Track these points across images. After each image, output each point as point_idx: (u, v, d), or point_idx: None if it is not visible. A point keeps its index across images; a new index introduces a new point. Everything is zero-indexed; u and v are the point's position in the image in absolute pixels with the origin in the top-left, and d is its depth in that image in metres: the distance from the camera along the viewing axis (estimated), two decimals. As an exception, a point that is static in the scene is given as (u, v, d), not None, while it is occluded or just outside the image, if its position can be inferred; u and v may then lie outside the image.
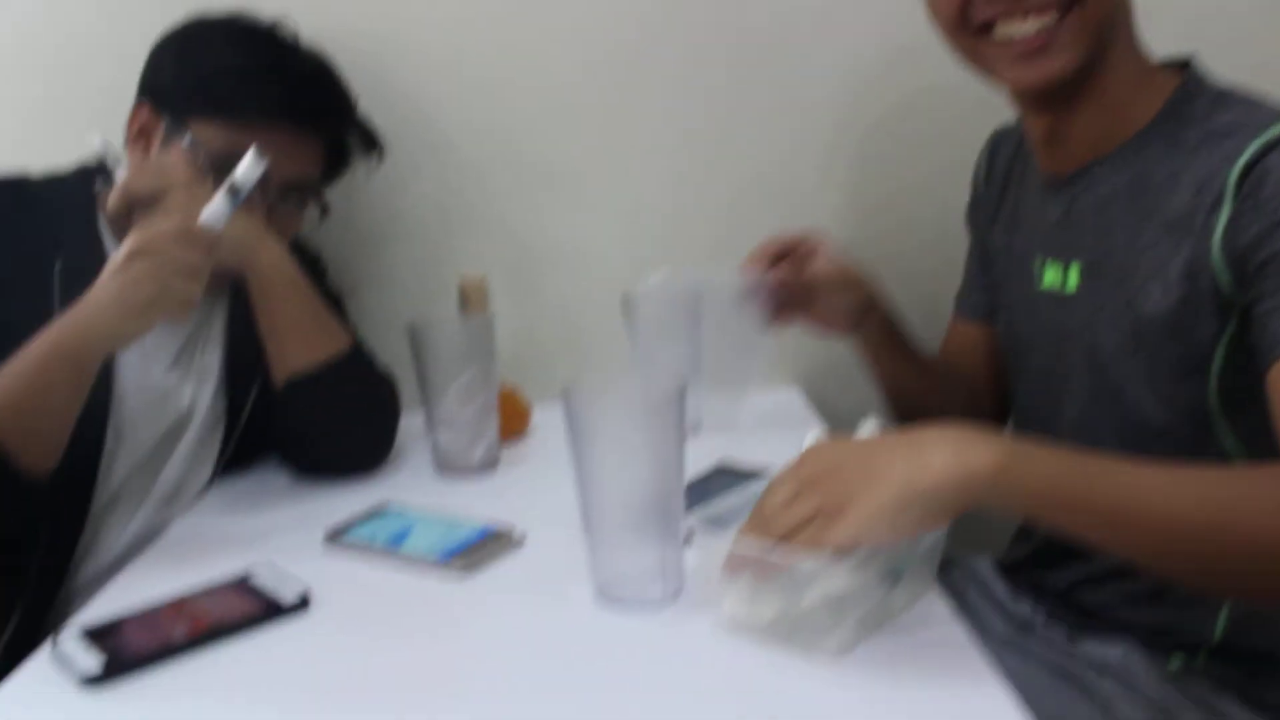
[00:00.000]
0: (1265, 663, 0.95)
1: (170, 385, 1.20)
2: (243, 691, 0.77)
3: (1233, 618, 0.95)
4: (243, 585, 0.91)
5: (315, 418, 1.17)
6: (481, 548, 0.96)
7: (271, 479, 1.24)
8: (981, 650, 0.75)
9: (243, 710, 0.75)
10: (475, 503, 1.07)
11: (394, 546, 0.98)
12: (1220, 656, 0.96)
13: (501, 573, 0.94)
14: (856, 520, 0.73)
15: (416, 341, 1.15)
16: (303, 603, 0.88)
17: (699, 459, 1.09)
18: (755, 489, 0.85)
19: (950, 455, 0.73)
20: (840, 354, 1.41)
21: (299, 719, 0.74)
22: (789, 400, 1.44)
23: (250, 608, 0.87)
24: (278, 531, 1.08)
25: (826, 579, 0.73)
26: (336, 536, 1.01)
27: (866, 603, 0.75)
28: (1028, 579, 1.11)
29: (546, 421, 1.34)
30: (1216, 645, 0.96)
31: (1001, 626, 1.09)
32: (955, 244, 1.31)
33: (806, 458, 0.79)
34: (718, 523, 0.81)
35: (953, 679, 0.72)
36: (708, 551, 0.82)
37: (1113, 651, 0.99)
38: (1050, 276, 1.04)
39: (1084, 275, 1.00)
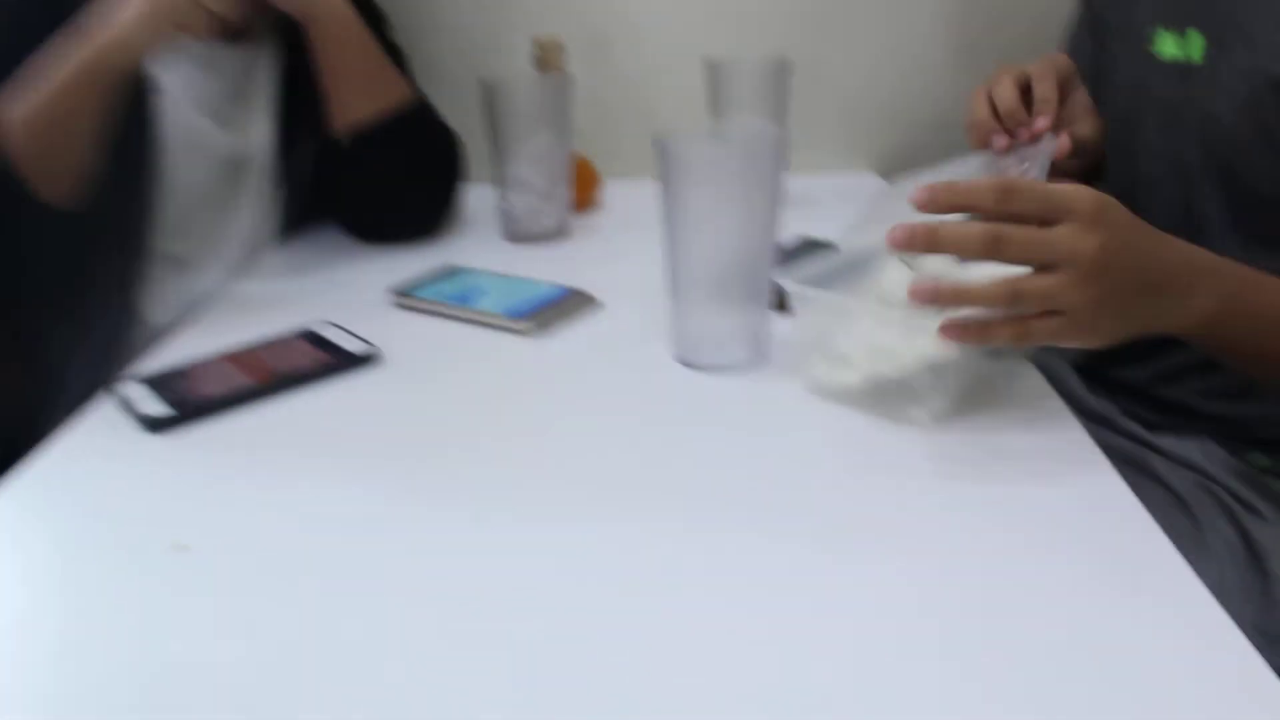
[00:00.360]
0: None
1: (215, 134, 1.13)
2: (309, 441, 0.76)
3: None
4: (308, 338, 0.89)
5: (376, 171, 1.13)
6: (557, 308, 0.93)
7: (334, 243, 1.21)
8: (1079, 422, 0.72)
9: (309, 459, 0.74)
10: (547, 270, 1.04)
11: (464, 304, 0.95)
12: (1307, 455, 0.92)
13: (577, 334, 0.91)
14: (1089, 341, 0.68)
15: (490, 98, 1.10)
16: (370, 356, 0.85)
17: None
18: (853, 255, 0.80)
19: (1180, 319, 0.71)
20: (916, 139, 1.35)
21: (369, 470, 0.72)
22: (865, 184, 1.38)
23: (317, 359, 0.85)
24: (341, 292, 1.05)
25: (925, 344, 0.69)
26: (404, 295, 0.98)
27: (963, 372, 0.71)
28: (1104, 376, 1.07)
29: (617, 196, 1.30)
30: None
31: (1080, 422, 1.06)
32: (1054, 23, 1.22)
33: (1112, 232, 0.66)
34: (811, 284, 0.76)
35: (1050, 449, 0.70)
36: (800, 315, 0.78)
37: (1191, 447, 0.95)
38: (1169, 46, 0.96)
39: (1208, 41, 0.93)
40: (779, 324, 0.83)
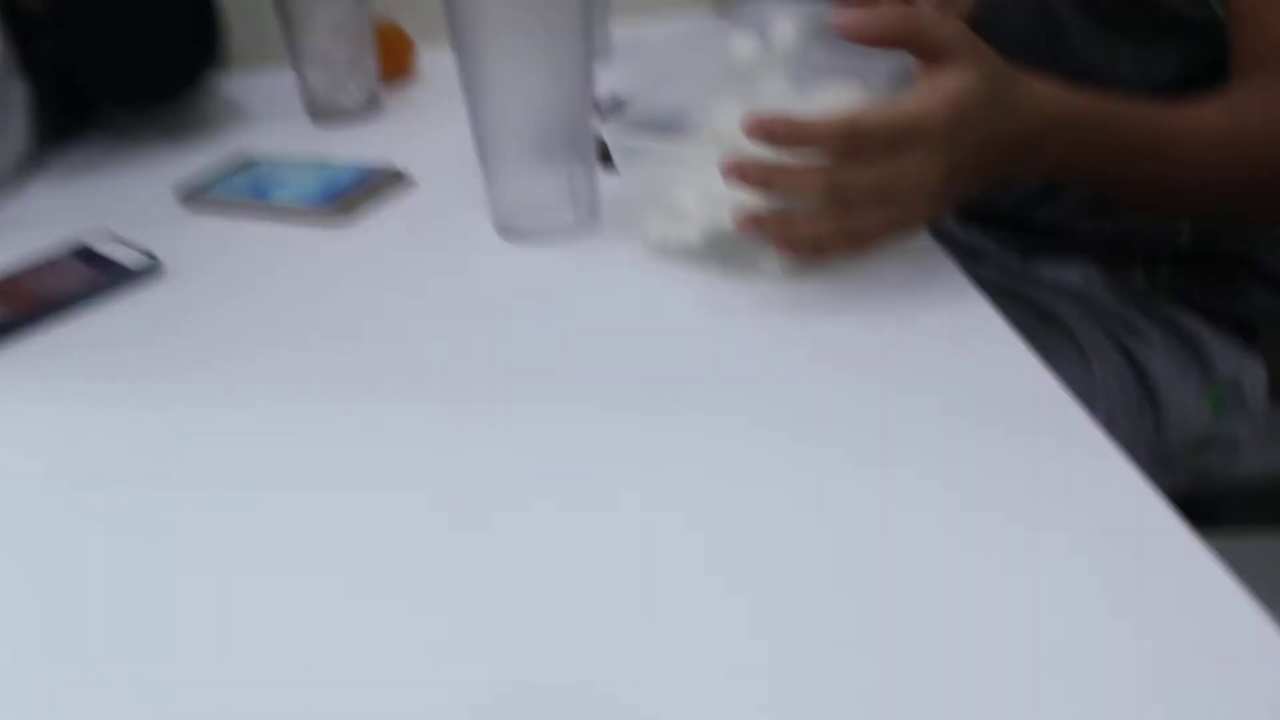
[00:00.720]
0: (1230, 268, 0.87)
1: None
2: (80, 377, 0.65)
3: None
4: (80, 255, 0.77)
5: (99, 14, 0.94)
6: (364, 189, 0.82)
7: (114, 144, 1.06)
8: (949, 256, 0.65)
9: (80, 397, 0.63)
10: (357, 150, 0.93)
11: (261, 199, 0.84)
12: (1185, 267, 0.87)
13: (388, 217, 0.81)
14: (926, 218, 0.61)
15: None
16: (151, 266, 0.74)
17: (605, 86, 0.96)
18: (683, 98, 0.70)
19: (1033, 171, 0.65)
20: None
21: (154, 401, 0.62)
22: (700, 25, 1.27)
23: (87, 278, 0.73)
24: (122, 200, 0.91)
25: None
26: (193, 195, 0.86)
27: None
28: (972, 206, 1.01)
29: (435, 64, 1.17)
30: (1181, 254, 0.87)
31: (950, 256, 0.99)
32: None
33: (961, 144, 0.58)
34: (635, 132, 0.68)
35: (917, 286, 0.63)
36: (626, 169, 0.69)
37: (1071, 273, 0.90)
38: None
39: None
40: (608, 180, 0.74)
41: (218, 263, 0.77)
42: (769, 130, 0.56)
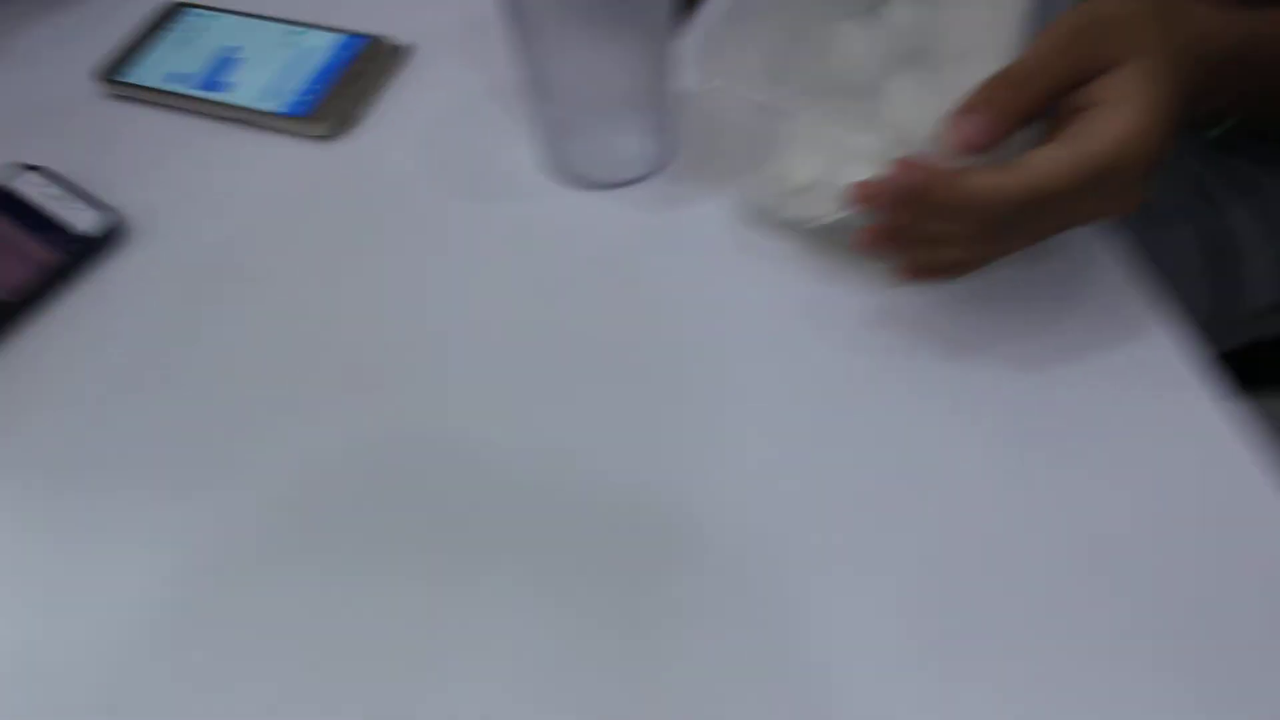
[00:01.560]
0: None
1: None
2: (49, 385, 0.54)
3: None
4: (4, 207, 0.60)
5: None
6: (352, 77, 0.65)
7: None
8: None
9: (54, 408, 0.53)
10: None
11: (212, 91, 0.65)
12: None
13: (393, 120, 0.64)
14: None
15: None
16: (115, 229, 0.59)
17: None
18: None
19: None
20: None
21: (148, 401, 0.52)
22: None
23: (37, 259, 0.57)
24: (24, 96, 0.69)
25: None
26: (114, 75, 0.67)
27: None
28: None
29: None
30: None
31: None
32: None
33: (1149, 172, 0.46)
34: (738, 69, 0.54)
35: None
36: (713, 87, 0.56)
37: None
38: None
39: None
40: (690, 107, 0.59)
41: (178, 210, 0.61)
42: (919, 191, 0.45)
